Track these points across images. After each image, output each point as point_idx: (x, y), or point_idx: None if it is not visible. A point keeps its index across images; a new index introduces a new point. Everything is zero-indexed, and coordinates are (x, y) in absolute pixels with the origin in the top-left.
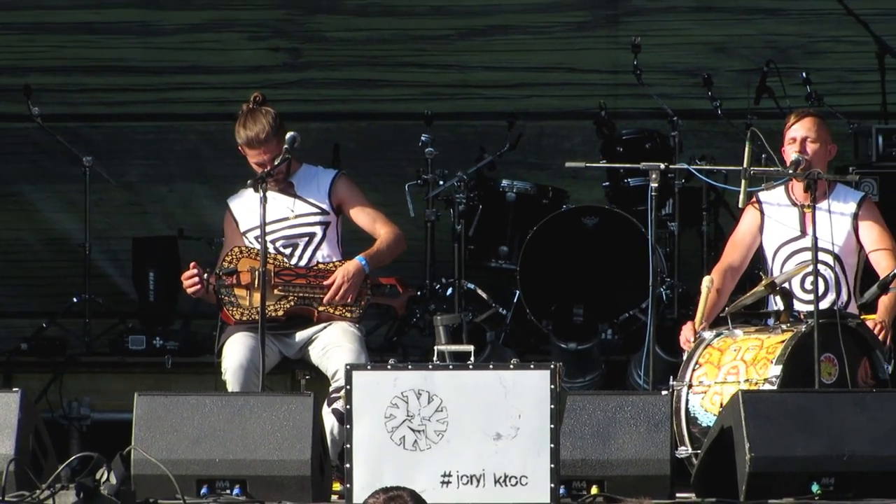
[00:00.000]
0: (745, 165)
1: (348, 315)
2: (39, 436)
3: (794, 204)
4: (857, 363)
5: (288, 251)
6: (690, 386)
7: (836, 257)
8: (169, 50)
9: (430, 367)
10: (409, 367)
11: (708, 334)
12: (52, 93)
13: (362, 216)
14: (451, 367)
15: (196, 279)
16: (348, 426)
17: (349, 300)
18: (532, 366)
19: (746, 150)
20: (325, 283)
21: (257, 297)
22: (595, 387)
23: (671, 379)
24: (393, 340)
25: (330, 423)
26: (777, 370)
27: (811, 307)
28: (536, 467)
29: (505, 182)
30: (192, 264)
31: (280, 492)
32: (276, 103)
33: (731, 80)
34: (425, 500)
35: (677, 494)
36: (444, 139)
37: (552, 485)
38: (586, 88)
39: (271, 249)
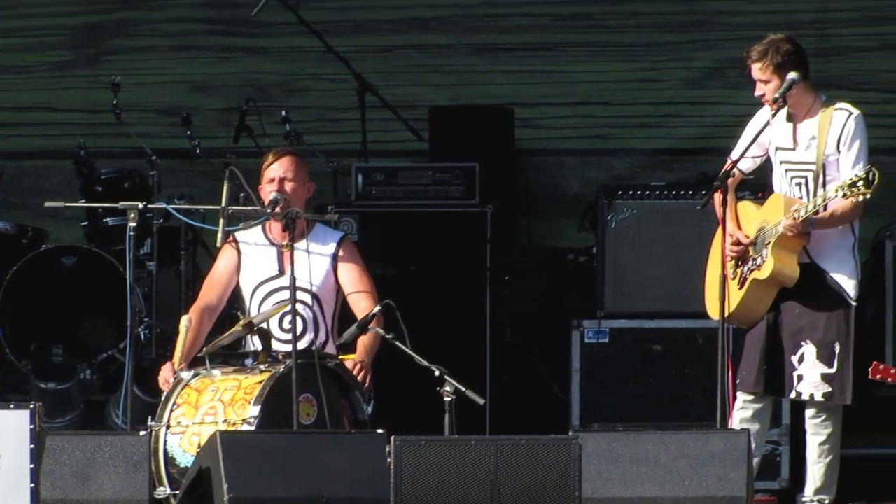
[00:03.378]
0: (223, 205)
1: None
2: None
3: (273, 243)
4: (338, 404)
5: None
6: (169, 426)
7: (315, 297)
8: None
9: None
10: None
11: (186, 374)
12: None
13: None
14: None
15: None
16: None
17: None
18: (12, 406)
19: (224, 189)
20: None
21: None
22: (74, 427)
23: (150, 419)
24: None
25: None
26: (255, 410)
27: (289, 347)
28: None
29: None
30: None
31: None
32: None
33: (210, 119)
34: None
35: None
36: None
37: None
38: (67, 128)
39: None
